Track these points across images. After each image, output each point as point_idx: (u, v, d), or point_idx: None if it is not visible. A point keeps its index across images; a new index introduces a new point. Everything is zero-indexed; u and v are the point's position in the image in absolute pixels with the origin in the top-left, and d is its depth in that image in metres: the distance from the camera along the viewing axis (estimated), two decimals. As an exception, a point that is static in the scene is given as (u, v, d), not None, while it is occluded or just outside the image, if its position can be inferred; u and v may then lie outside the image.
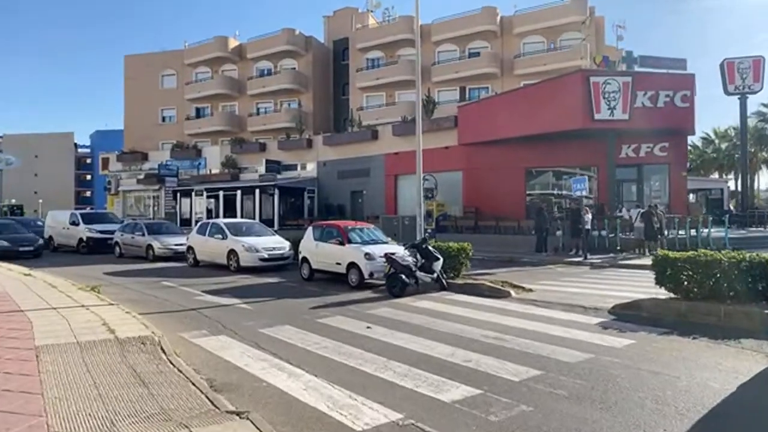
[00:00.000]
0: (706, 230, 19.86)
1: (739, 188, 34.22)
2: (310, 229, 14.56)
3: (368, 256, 12.09)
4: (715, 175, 52.13)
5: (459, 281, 11.95)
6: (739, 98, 29.25)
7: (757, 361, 6.21)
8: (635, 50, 27.50)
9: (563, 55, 36.26)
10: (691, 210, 23.99)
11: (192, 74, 47.82)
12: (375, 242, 13.00)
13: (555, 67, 34.34)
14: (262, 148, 38.94)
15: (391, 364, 6.20)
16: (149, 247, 20.04)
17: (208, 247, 17.28)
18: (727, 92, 29.14)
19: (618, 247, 19.67)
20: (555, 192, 28.88)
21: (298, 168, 37.05)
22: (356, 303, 10.39)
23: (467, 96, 38.61)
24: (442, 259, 11.52)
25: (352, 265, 12.38)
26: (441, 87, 39.04)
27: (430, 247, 11.61)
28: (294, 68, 44.60)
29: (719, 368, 5.97)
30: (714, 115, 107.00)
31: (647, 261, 16.97)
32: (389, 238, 13.88)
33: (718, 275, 8.51)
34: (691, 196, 32.82)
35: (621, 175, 26.96)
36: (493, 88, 37.46)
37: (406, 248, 12.11)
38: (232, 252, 16.12)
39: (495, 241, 22.56)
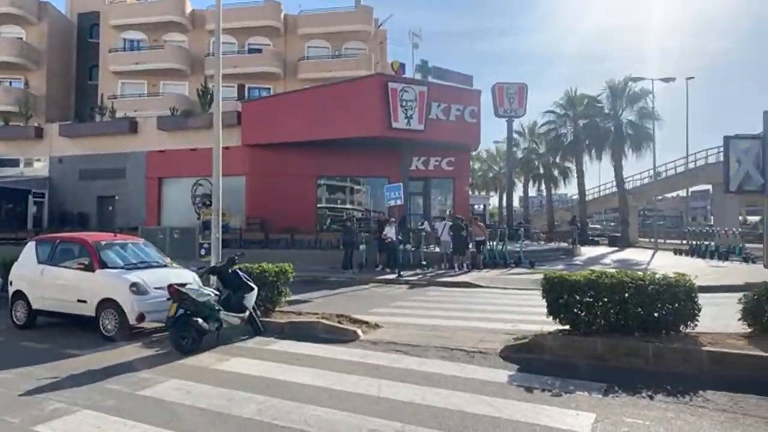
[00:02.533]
0: (501, 244, 19.79)
1: (504, 205, 37.26)
2: (30, 245, 9.32)
3: (136, 289, 7.74)
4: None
5: (277, 318, 8.43)
6: (507, 121, 31.44)
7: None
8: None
9: (348, 63, 35.04)
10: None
11: None
12: (147, 266, 8.60)
13: (340, 75, 32.80)
14: (-33, 135, 28.99)
15: None
16: None
17: None
18: (497, 114, 31.03)
19: (423, 262, 18.25)
20: (338, 205, 26.92)
21: (22, 164, 28.34)
22: (117, 374, 6.07)
23: (247, 95, 34.74)
24: (256, 290, 7.88)
25: (107, 303, 7.82)
26: (217, 82, 34.31)
27: (240, 273, 7.85)
28: (21, 38, 34.80)
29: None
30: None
31: (464, 278, 15.86)
32: (168, 259, 9.53)
33: (627, 302, 6.79)
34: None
35: (410, 188, 26.37)
36: (276, 90, 34.39)
37: (201, 274, 8.15)
38: None
39: (289, 258, 18.93)
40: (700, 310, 6.78)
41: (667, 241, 34.26)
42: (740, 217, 64.69)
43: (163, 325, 7.51)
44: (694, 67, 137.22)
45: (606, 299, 6.86)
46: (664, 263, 20.42)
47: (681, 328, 6.85)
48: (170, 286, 7.10)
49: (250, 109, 25.82)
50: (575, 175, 37.92)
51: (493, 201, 57.58)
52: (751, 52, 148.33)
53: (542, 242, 30.03)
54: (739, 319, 7.12)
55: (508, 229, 20.78)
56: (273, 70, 34.72)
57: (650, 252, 27.10)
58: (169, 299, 7.11)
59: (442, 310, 10.37)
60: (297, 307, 9.81)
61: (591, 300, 6.94)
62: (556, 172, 41.79)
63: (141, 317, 7.66)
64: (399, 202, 15.75)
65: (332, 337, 7.61)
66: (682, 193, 60.23)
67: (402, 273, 15.91)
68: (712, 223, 51.27)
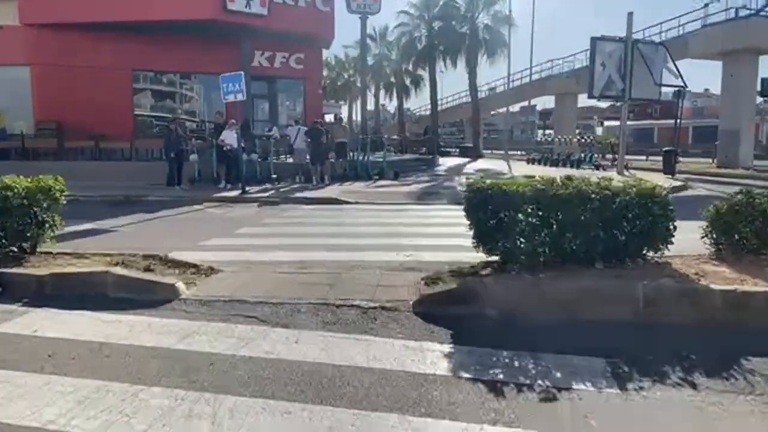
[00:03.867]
0: (363, 154, 17.33)
1: (358, 114, 34.73)
2: None
3: None
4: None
5: (35, 268, 4.98)
6: (360, 18, 28.08)
7: None
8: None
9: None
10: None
11: None
12: None
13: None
14: None
15: None
16: None
17: None
18: (350, 9, 27.38)
19: (273, 175, 15.13)
20: (167, 114, 22.16)
21: None
22: None
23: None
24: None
25: None
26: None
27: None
28: None
29: None
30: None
31: (326, 192, 13.12)
32: None
33: (589, 222, 4.68)
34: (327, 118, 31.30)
35: (253, 89, 22.47)
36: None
37: None
38: None
39: (97, 172, 14.84)
40: (675, 229, 4.95)
41: (510, 152, 35.01)
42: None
43: None
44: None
45: (560, 217, 4.70)
46: (524, 171, 19.77)
47: (646, 253, 5.01)
48: None
49: (28, -26, 19.24)
50: (427, 84, 36.41)
51: (343, 111, 54.85)
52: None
53: (396, 153, 28.41)
54: (703, 237, 5.51)
55: (368, 138, 18.27)
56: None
57: (503, 162, 26.86)
58: None
59: (309, 237, 7.66)
60: (84, 244, 6.37)
61: (538, 221, 4.74)
62: (407, 81, 40.00)
63: None
64: (240, 97, 12.21)
65: (133, 296, 4.50)
66: (512, 108, 63.16)
67: (248, 189, 12.75)
68: (538, 137, 54.52)
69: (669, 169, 17.57)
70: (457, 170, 20.12)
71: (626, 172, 18.66)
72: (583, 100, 35.56)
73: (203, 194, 12.24)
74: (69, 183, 5.71)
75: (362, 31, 28.57)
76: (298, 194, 12.33)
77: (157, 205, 10.82)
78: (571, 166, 21.69)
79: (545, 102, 57.63)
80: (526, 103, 54.93)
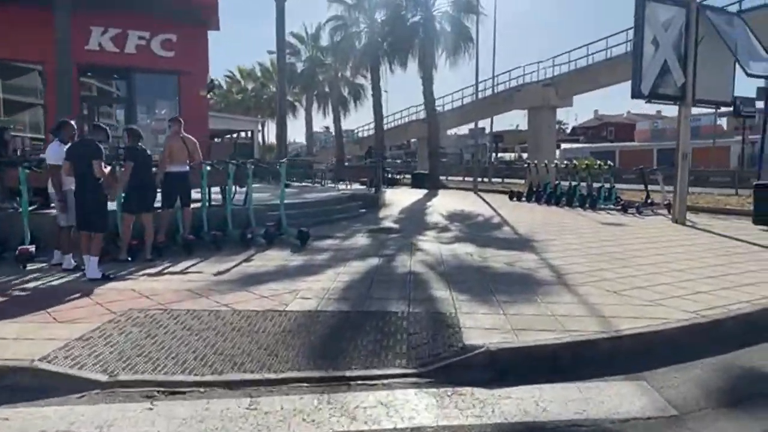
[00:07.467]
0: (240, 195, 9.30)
1: (271, 134, 26.73)
2: None
3: None
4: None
5: None
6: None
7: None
8: None
9: None
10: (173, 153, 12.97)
11: None
12: None
13: None
14: None
15: None
16: None
17: None
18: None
19: (31, 247, 6.80)
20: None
21: None
22: None
23: None
24: None
25: None
26: None
27: None
28: None
29: None
30: (235, 52, 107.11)
31: (77, 321, 4.64)
32: None
33: None
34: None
35: (94, 90, 14.23)
36: None
37: None
38: None
39: None
40: None
41: (466, 178, 28.15)
42: (514, 155, 64.08)
43: None
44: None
45: None
46: (519, 216, 12.29)
47: None
48: None
49: None
50: (370, 94, 28.91)
51: (271, 132, 46.77)
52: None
53: (327, 182, 20.65)
54: None
55: (259, 163, 9.80)
56: None
57: (474, 197, 19.48)
58: None
59: None
60: None
61: None
62: (345, 91, 32.41)
63: None
64: None
65: None
66: (459, 130, 56.77)
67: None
68: (491, 159, 48.28)
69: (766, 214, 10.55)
70: (417, 216, 12.46)
71: (689, 220, 11.54)
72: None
73: None
74: None
75: (278, 15, 20.67)
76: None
77: None
78: (582, 206, 14.47)
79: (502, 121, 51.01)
80: (473, 125, 48.40)
